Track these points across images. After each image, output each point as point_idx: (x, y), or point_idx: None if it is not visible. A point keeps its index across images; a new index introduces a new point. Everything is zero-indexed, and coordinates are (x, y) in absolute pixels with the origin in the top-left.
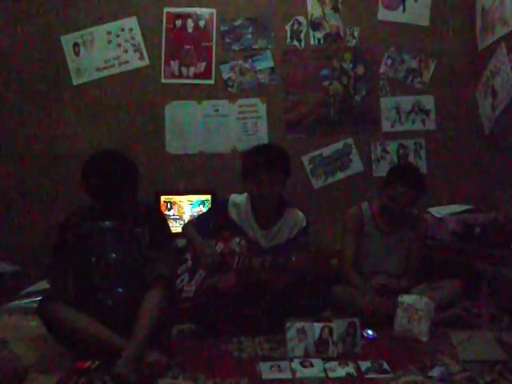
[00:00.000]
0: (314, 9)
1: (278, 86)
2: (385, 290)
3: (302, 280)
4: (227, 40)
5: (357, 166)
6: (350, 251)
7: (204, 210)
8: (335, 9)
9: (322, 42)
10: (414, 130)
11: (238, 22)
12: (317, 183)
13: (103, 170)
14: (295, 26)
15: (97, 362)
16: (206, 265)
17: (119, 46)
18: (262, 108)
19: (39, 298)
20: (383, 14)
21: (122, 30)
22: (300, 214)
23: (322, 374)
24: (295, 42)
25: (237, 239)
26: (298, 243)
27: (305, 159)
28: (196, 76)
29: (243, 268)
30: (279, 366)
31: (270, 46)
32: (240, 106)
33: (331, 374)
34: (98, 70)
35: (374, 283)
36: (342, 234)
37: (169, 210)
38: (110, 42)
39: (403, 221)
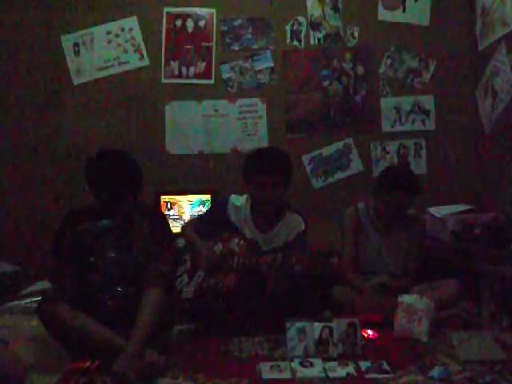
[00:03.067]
0: (313, 9)
1: (278, 86)
2: (385, 289)
3: (302, 280)
4: (227, 40)
5: (357, 166)
6: (349, 252)
7: (204, 210)
8: (335, 9)
9: (321, 41)
10: (413, 130)
11: (237, 22)
12: (317, 183)
13: (108, 169)
14: (295, 26)
15: (97, 362)
16: (204, 268)
17: (119, 46)
18: (262, 108)
19: (39, 298)
20: (383, 14)
21: (122, 30)
22: (299, 217)
23: (322, 374)
24: (295, 42)
25: (236, 239)
26: (296, 247)
27: (305, 159)
28: (196, 76)
29: (244, 269)
30: (279, 366)
31: (270, 46)
32: (240, 106)
33: (331, 374)
34: (98, 69)
35: (374, 283)
36: (340, 234)
37: (169, 210)
38: (109, 42)
39: (400, 221)
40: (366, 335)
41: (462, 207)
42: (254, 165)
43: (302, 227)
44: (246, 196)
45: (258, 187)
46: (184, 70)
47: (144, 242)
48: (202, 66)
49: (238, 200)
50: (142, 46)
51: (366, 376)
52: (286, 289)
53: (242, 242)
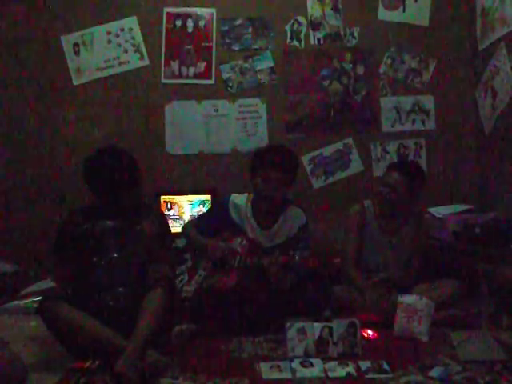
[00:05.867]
0: (313, 9)
1: (278, 86)
2: (388, 285)
3: (304, 279)
4: (227, 40)
5: (357, 166)
6: (353, 249)
7: (204, 210)
8: (335, 9)
9: (321, 42)
10: (413, 130)
11: (237, 22)
12: (317, 183)
13: (105, 166)
14: (295, 26)
15: (97, 362)
16: (213, 258)
17: (119, 45)
18: (262, 108)
19: (39, 298)
20: (383, 14)
21: (122, 30)
22: (299, 211)
23: (322, 374)
24: (295, 42)
25: (238, 239)
26: (299, 240)
27: (305, 159)
28: (196, 76)
29: (245, 268)
30: (279, 366)
31: (269, 46)
32: (240, 106)
33: (331, 374)
34: (98, 69)
35: (378, 277)
36: (344, 231)
37: (169, 210)
38: (109, 42)
39: (404, 219)
40: (365, 335)
41: (462, 207)
42: (263, 159)
43: (304, 220)
44: (246, 195)
45: (265, 182)
46: (184, 69)
47: (146, 243)
48: (202, 65)
49: (239, 199)
50: (142, 45)
51: (366, 376)
52: (287, 289)
53: (244, 241)
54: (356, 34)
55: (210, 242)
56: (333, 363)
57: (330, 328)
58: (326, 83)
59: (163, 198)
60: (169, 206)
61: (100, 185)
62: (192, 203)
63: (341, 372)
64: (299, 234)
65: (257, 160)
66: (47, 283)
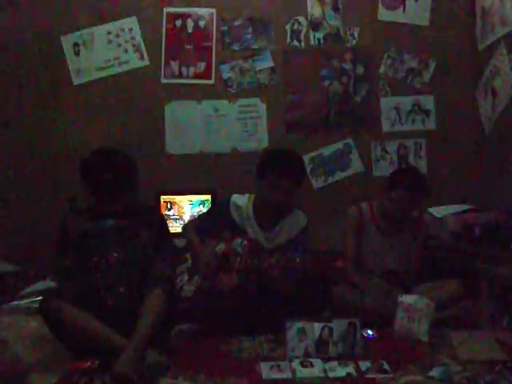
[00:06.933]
0: (314, 9)
1: (278, 86)
2: (387, 284)
3: (304, 280)
4: (227, 40)
5: (357, 166)
6: (352, 250)
7: (204, 210)
8: (335, 9)
9: (322, 41)
10: (413, 130)
11: (238, 22)
12: (317, 183)
13: (102, 167)
14: (295, 26)
15: (97, 362)
16: (202, 272)
17: (119, 46)
18: (262, 108)
19: (39, 297)
20: (383, 14)
21: (122, 30)
22: (300, 213)
23: (322, 374)
24: (295, 42)
25: (239, 240)
26: (300, 242)
27: (305, 159)
28: (196, 76)
29: (246, 269)
30: (279, 366)
31: (269, 46)
32: (240, 106)
33: (331, 374)
34: (98, 69)
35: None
36: (343, 233)
37: (169, 209)
38: (110, 42)
39: (403, 221)
40: (365, 335)
41: (462, 207)
42: (274, 166)
43: (305, 222)
44: (248, 195)
45: (274, 189)
46: (184, 69)
47: (146, 243)
48: (201, 65)
49: (241, 199)
50: (142, 46)
51: (366, 376)
52: (287, 289)
53: (244, 242)
54: (356, 34)
55: (203, 255)
56: (333, 363)
57: (330, 328)
58: (325, 83)
59: (163, 197)
60: (169, 206)
61: (96, 185)
62: (192, 203)
63: (341, 372)
64: (300, 236)
65: (266, 165)
66: (47, 283)
